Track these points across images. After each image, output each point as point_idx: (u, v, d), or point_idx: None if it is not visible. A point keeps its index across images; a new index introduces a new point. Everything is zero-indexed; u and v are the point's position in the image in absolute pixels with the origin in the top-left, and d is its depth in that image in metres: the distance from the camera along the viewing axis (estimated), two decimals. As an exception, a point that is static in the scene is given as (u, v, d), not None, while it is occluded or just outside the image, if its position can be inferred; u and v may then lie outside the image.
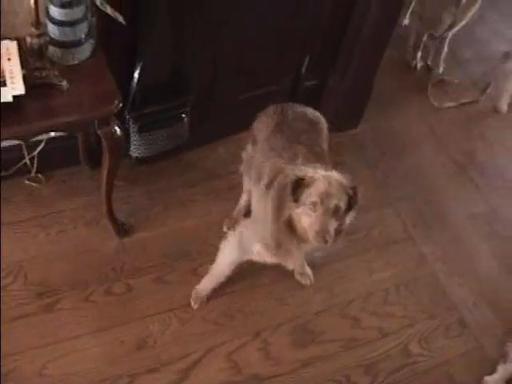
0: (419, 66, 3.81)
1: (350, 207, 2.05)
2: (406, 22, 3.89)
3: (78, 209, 2.79)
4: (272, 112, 2.46)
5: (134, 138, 2.70)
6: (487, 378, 2.58)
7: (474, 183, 3.29)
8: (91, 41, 2.17)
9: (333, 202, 1.99)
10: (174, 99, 2.68)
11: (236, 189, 2.82)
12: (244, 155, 2.60)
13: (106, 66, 2.18)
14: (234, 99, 2.98)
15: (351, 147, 3.28)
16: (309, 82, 3.14)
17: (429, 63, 3.82)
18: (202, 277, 2.59)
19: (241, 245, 2.39)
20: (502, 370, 2.59)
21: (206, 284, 2.61)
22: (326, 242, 1.99)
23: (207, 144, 3.09)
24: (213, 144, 3.11)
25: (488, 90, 3.69)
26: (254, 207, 2.44)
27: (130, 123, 2.65)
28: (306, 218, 2.03)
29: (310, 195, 2.00)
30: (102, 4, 2.08)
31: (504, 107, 3.64)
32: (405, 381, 2.55)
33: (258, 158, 2.40)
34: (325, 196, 1.99)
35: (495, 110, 3.66)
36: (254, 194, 2.43)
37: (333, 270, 2.81)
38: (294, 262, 2.49)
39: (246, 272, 2.57)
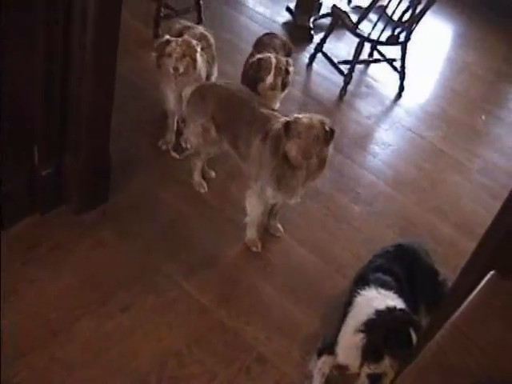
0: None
1: (327, 141, 2.95)
2: None
3: None
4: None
5: None
6: (300, 403, 2.66)
7: (230, 219, 3.44)
8: None
9: (314, 132, 2.88)
10: None
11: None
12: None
13: None
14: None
15: (108, 222, 3.24)
16: (46, 171, 3.06)
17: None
18: None
19: (260, 196, 3.14)
20: (311, 390, 2.70)
21: (253, 232, 3.31)
22: (310, 158, 2.89)
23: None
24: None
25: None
26: (257, 160, 3.10)
27: None
28: (294, 146, 2.88)
29: (297, 128, 2.88)
30: None
31: None
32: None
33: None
34: (308, 127, 2.88)
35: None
36: (253, 151, 3.12)
37: (122, 349, 2.71)
38: (296, 197, 3.15)
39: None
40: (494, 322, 1.51)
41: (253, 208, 3.23)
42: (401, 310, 2.63)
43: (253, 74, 3.67)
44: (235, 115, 3.25)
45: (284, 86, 3.71)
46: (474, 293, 1.55)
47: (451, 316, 1.55)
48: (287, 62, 3.69)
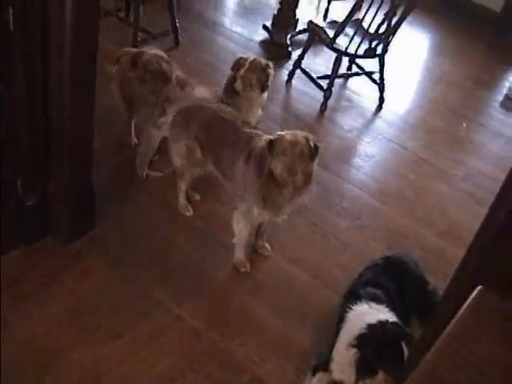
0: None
1: (312, 157, 2.95)
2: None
3: None
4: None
5: None
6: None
7: (218, 241, 3.46)
8: None
9: (298, 148, 2.89)
10: None
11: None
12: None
13: None
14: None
15: (96, 250, 3.24)
16: (30, 202, 3.07)
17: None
18: None
19: (247, 216, 3.16)
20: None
21: (242, 253, 3.31)
22: (296, 175, 2.89)
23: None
24: None
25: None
26: (242, 180, 3.12)
27: None
28: (279, 164, 2.90)
29: (281, 146, 2.89)
30: None
31: None
32: None
33: None
34: (292, 144, 2.89)
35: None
36: (237, 172, 3.14)
37: (115, 378, 2.71)
38: (283, 215, 3.16)
39: None
40: (485, 338, 1.52)
41: (240, 228, 3.24)
42: (392, 323, 2.64)
43: (232, 74, 3.73)
44: (219, 135, 3.27)
45: (262, 87, 3.73)
46: (463, 309, 1.56)
47: (442, 330, 1.56)
48: (267, 64, 3.72)
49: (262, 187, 3.01)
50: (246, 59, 3.70)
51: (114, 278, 3.12)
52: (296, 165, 2.90)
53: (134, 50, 3.95)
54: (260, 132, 3.22)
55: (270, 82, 3.76)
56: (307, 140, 2.94)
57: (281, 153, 2.91)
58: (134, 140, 4.02)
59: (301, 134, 2.98)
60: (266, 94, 3.84)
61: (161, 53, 3.79)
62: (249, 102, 3.75)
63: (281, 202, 3.05)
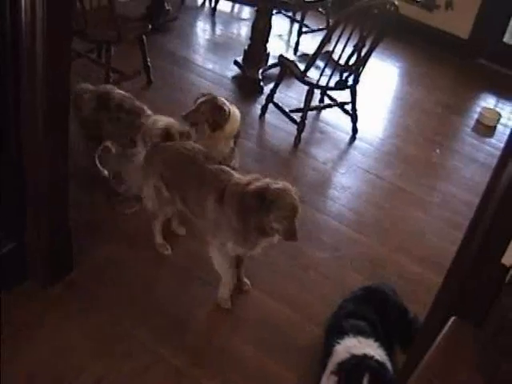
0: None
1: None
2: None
3: None
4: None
5: None
6: None
7: (197, 278, 3.50)
8: None
9: (298, 212, 2.97)
10: None
11: None
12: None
13: None
14: None
15: (75, 292, 3.25)
16: (7, 248, 3.10)
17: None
18: None
19: (221, 250, 3.19)
20: None
21: (227, 290, 3.34)
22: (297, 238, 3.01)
23: None
24: None
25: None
26: (214, 219, 3.16)
27: None
28: (278, 225, 2.96)
29: (283, 209, 2.92)
30: None
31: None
32: None
33: None
34: (294, 210, 2.95)
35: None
36: (208, 211, 3.16)
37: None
38: (257, 250, 3.22)
39: None
40: (463, 370, 1.55)
41: (219, 262, 3.28)
42: (376, 361, 2.65)
43: None
44: (182, 172, 3.31)
45: (213, 126, 3.72)
46: (437, 340, 1.61)
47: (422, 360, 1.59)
48: (221, 105, 3.71)
49: (238, 227, 3.06)
50: (203, 96, 3.75)
51: (94, 320, 3.14)
52: (295, 228, 2.98)
53: (91, 88, 3.99)
54: (225, 167, 3.25)
55: (223, 121, 3.72)
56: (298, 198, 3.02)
57: (282, 216, 2.94)
58: (105, 171, 4.11)
59: (295, 193, 2.99)
60: (235, 125, 3.83)
61: (120, 90, 3.94)
62: (211, 137, 3.78)
63: (255, 239, 3.12)
